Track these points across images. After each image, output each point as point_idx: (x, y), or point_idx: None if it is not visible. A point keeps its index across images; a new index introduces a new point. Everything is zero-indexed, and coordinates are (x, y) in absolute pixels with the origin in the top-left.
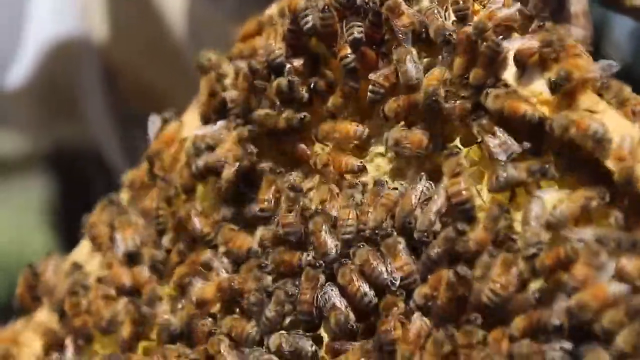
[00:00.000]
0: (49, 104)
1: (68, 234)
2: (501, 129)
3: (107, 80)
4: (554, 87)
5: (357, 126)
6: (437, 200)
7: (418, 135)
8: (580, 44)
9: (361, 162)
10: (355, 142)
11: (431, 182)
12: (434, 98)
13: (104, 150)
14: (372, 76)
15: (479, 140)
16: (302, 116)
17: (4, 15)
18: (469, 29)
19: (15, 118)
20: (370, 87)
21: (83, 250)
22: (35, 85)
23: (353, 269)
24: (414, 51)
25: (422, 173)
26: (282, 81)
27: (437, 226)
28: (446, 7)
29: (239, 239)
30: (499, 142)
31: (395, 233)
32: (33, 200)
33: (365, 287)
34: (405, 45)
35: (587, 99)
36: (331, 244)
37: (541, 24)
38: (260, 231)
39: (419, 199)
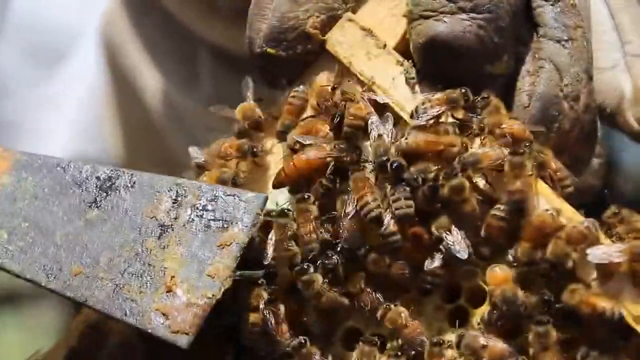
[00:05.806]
0: None
1: None
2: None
3: None
4: None
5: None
6: None
7: (499, 347)
8: None
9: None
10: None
11: None
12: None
13: None
14: (428, 266)
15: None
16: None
17: (18, 138)
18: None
19: None
20: (428, 278)
21: None
22: None
23: None
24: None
25: None
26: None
27: None
28: None
29: None
30: None
31: None
32: (47, 323)
33: None
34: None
35: None
36: None
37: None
38: None
39: None
